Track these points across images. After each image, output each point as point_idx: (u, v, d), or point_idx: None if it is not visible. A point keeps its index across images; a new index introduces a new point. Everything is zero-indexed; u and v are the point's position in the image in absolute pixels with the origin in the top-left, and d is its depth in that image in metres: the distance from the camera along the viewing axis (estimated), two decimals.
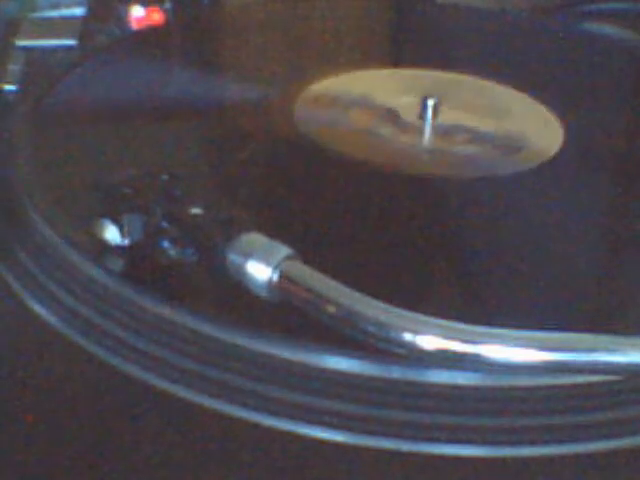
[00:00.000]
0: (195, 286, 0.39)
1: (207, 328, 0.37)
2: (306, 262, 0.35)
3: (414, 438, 0.35)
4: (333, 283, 0.34)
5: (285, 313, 0.36)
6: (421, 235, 0.44)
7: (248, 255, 0.36)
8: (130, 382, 0.36)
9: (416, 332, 0.32)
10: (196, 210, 0.38)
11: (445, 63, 0.58)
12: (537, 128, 0.52)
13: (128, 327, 0.38)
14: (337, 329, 0.34)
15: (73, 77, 0.54)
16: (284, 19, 0.64)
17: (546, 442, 0.35)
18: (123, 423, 0.35)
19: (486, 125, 0.52)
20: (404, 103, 0.53)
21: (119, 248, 0.39)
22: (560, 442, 0.35)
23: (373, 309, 0.33)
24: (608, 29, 0.63)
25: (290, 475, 0.34)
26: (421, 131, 0.51)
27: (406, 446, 0.35)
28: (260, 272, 0.35)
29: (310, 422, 0.35)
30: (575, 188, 0.48)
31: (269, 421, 0.35)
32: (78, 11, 0.61)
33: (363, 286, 0.34)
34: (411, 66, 0.58)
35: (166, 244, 0.38)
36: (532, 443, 0.35)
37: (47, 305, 0.39)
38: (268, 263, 0.35)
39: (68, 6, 0.61)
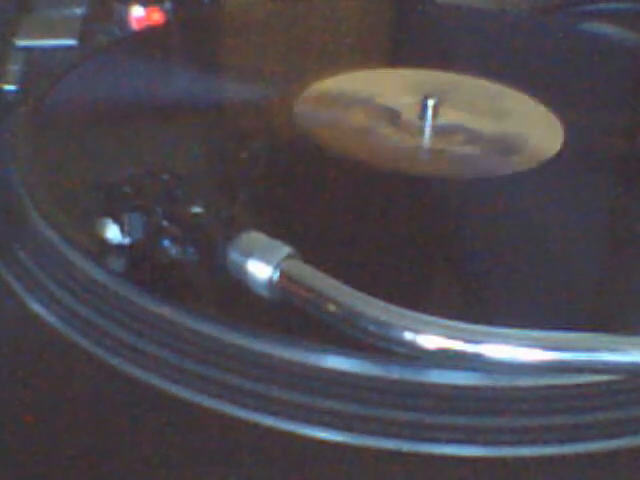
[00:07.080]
0: (195, 286, 0.39)
1: (207, 328, 0.37)
2: (307, 261, 0.35)
3: (414, 438, 0.35)
4: (334, 282, 0.34)
5: (285, 313, 0.36)
6: (421, 234, 0.44)
7: (249, 254, 0.36)
8: (130, 382, 0.36)
9: (417, 331, 0.32)
10: (197, 209, 0.38)
11: (445, 63, 0.58)
12: (537, 128, 0.52)
13: (128, 327, 0.38)
14: (337, 328, 0.34)
15: (73, 77, 0.54)
16: (284, 19, 0.64)
17: (546, 442, 0.35)
18: (123, 423, 0.35)
19: (486, 125, 0.52)
20: (404, 103, 0.53)
21: (120, 247, 0.39)
22: (560, 442, 0.35)
23: (374, 308, 0.33)
24: (608, 29, 0.63)
25: (290, 475, 0.34)
26: (421, 131, 0.51)
27: (406, 446, 0.35)
28: (261, 271, 0.35)
29: (310, 422, 0.35)
30: (575, 188, 0.48)
31: (269, 421, 0.35)
32: (78, 11, 0.61)
33: (364, 285, 0.34)
34: (411, 66, 0.58)
35: (167, 243, 0.38)
36: (532, 443, 0.35)
37: (47, 305, 0.39)
38: (269, 262, 0.35)
39: (68, 6, 0.61)
